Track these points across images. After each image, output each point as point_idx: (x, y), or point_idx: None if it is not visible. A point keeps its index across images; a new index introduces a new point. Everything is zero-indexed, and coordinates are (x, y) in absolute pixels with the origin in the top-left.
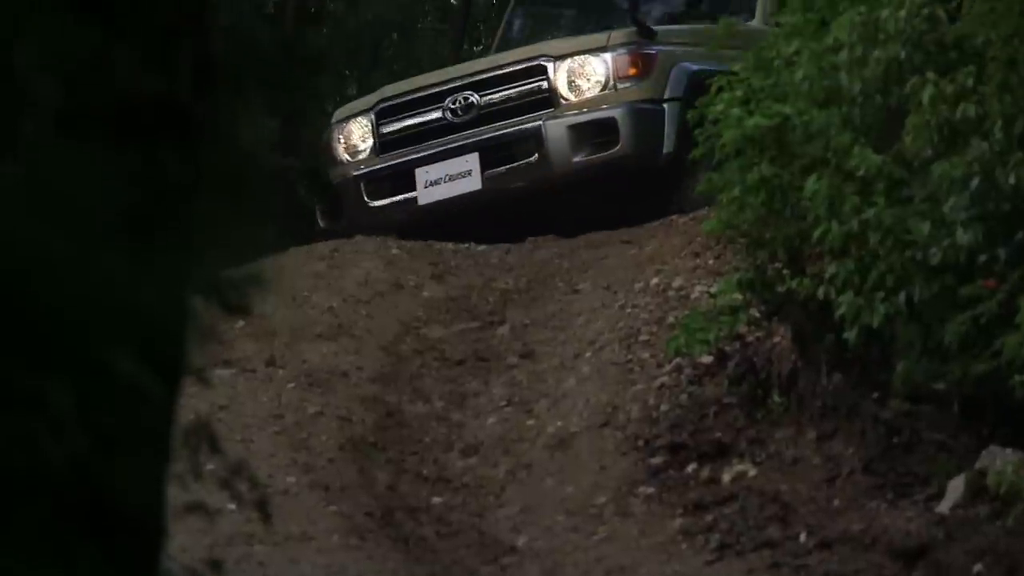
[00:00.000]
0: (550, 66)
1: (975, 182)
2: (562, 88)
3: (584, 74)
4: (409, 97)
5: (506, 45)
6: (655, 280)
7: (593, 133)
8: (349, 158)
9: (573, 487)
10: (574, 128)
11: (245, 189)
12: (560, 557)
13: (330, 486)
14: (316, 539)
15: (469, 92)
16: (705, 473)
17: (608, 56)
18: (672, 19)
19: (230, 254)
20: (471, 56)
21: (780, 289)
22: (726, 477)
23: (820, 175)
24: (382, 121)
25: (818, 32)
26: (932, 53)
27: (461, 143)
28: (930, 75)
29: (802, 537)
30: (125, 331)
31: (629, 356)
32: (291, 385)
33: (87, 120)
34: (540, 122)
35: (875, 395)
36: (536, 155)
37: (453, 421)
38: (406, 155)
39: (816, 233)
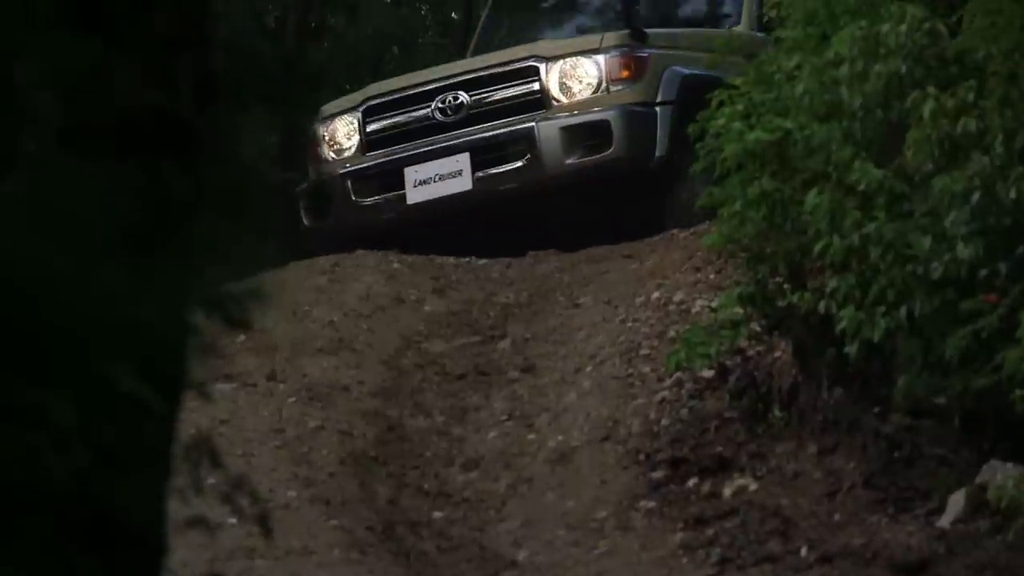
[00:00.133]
0: (542, 67)
1: (976, 196)
2: (554, 89)
3: (577, 76)
4: (396, 95)
5: (484, 48)
6: (656, 294)
7: (586, 135)
8: (334, 156)
9: (574, 501)
10: (567, 130)
11: (246, 204)
12: (561, 571)
13: (331, 500)
14: (317, 553)
15: (458, 92)
16: (706, 487)
17: (601, 58)
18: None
19: (231, 268)
20: None
21: (781, 303)
22: (727, 491)
23: (821, 189)
24: (369, 119)
25: (819, 46)
26: (933, 67)
27: (451, 143)
28: (931, 89)
29: (803, 551)
30: (126, 346)
31: (630, 370)
32: (292, 399)
33: (88, 135)
34: (533, 123)
35: (876, 409)
36: (528, 156)
37: (454, 435)
38: (394, 154)
39: (817, 247)
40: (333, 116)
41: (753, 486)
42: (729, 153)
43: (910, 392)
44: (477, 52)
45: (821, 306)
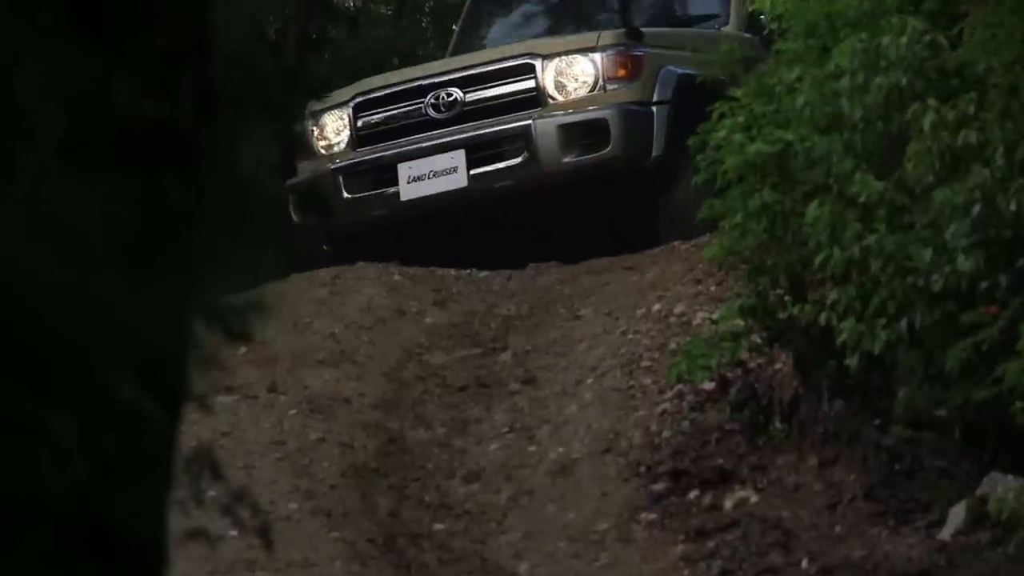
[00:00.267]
0: (538, 65)
1: (976, 209)
2: (550, 87)
3: (573, 74)
4: (388, 91)
5: (464, 48)
6: (657, 306)
7: (584, 134)
8: (324, 151)
9: (575, 513)
10: (564, 128)
11: (246, 215)
12: None
13: (332, 512)
14: (318, 565)
15: (452, 88)
16: (707, 499)
17: (598, 56)
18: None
19: (231, 280)
20: None
21: (782, 315)
22: (728, 503)
23: (822, 201)
24: (360, 114)
25: (819, 59)
26: (933, 80)
27: (447, 139)
28: (931, 102)
29: (804, 563)
30: (126, 357)
31: (631, 382)
32: (293, 411)
33: (88, 146)
34: (529, 121)
35: (877, 421)
36: (525, 154)
37: (455, 447)
38: (387, 149)
39: (818, 259)
40: (323, 111)
41: (754, 498)
42: (730, 165)
43: (911, 404)
44: (456, 53)
45: (822, 318)
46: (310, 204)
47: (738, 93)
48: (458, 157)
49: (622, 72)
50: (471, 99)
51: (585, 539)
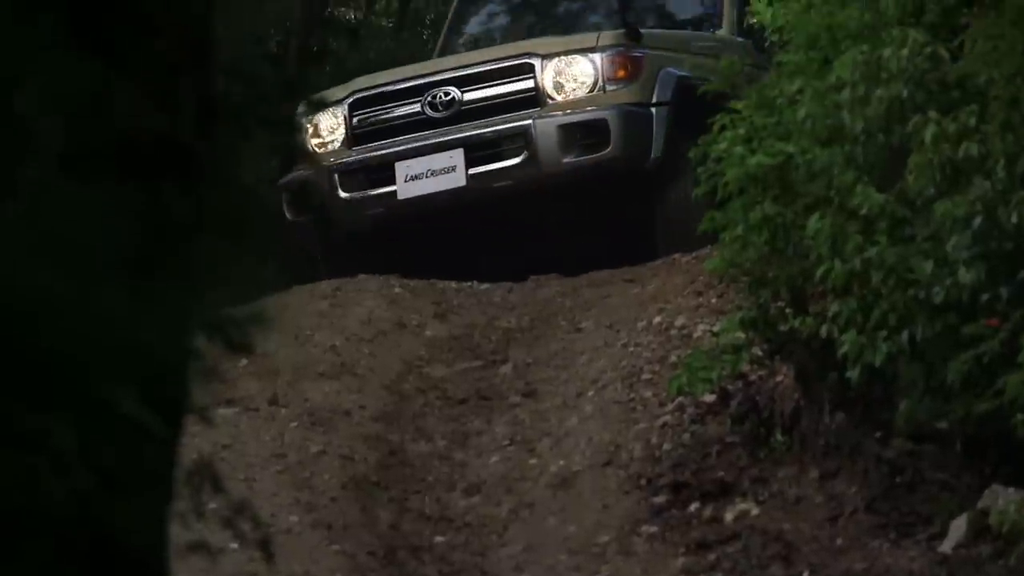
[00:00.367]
0: (537, 65)
1: (977, 221)
2: (549, 87)
3: (573, 74)
4: (384, 89)
5: (450, 49)
6: (658, 319)
7: (584, 134)
8: (319, 150)
9: (576, 526)
10: (565, 128)
11: (247, 228)
12: None
13: (333, 525)
14: None
15: (450, 87)
16: (708, 512)
17: (598, 57)
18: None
19: (232, 292)
20: None
21: (783, 328)
22: (729, 516)
23: (823, 214)
24: (355, 113)
25: (821, 71)
26: (934, 92)
27: (445, 138)
28: (932, 114)
29: None
30: (127, 370)
31: (631, 395)
32: (294, 424)
33: (89, 159)
34: (529, 120)
35: (878, 434)
36: (524, 153)
37: (456, 460)
38: (384, 148)
39: (819, 272)
40: (317, 109)
41: (755, 511)
42: (731, 177)
43: (912, 417)
44: (443, 54)
45: (823, 330)
46: (302, 202)
47: (739, 105)
48: (456, 156)
49: (622, 73)
50: (469, 98)
51: (586, 552)
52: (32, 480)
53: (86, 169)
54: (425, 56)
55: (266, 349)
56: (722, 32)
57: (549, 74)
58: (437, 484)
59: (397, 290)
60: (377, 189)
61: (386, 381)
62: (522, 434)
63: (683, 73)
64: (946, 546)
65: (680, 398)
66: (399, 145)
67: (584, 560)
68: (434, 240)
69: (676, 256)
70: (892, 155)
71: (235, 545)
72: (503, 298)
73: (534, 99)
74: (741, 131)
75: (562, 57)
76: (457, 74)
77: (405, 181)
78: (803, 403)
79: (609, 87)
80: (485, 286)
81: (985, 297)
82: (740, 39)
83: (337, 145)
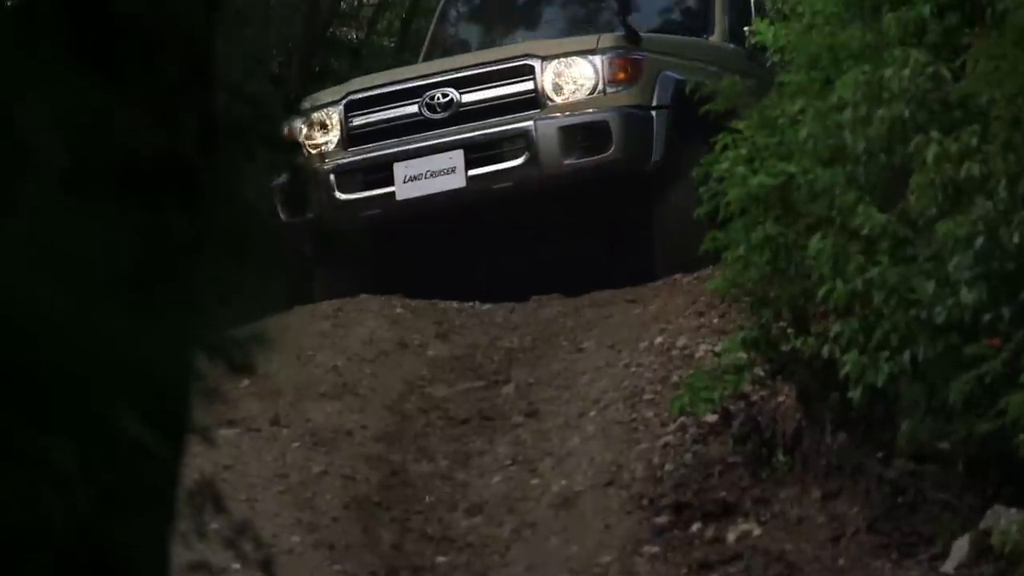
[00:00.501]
0: (537, 66)
1: (979, 241)
2: (549, 89)
3: (573, 76)
4: (381, 91)
5: (434, 54)
6: (659, 339)
7: (585, 136)
8: (313, 151)
9: (578, 546)
10: (566, 130)
11: (249, 247)
12: None
13: (335, 545)
14: None
15: (448, 88)
16: (710, 532)
17: (598, 59)
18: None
19: (234, 312)
20: None
21: (785, 348)
22: (731, 536)
23: (825, 234)
24: (352, 114)
25: (822, 91)
26: (936, 112)
27: (445, 139)
28: (934, 134)
29: None
30: (129, 390)
31: (633, 415)
32: (295, 444)
33: (90, 178)
34: (531, 122)
35: (880, 454)
36: (525, 155)
37: (458, 480)
38: (382, 149)
39: (821, 292)
40: (314, 110)
41: (757, 531)
42: (733, 197)
43: (914, 437)
44: (428, 58)
45: (825, 351)
46: (296, 203)
47: (741, 125)
48: (456, 157)
49: (622, 75)
50: (467, 100)
51: (588, 572)
52: (33, 499)
53: (87, 186)
54: None
55: (268, 369)
56: (714, 39)
57: (549, 76)
58: (439, 504)
59: (399, 310)
60: (375, 190)
61: (388, 401)
62: (524, 454)
63: (682, 77)
64: (948, 566)
65: (682, 418)
66: (397, 146)
67: None
68: (432, 241)
69: (677, 276)
70: (894, 175)
71: (237, 566)
72: (505, 318)
73: (534, 101)
74: (743, 151)
75: (562, 59)
76: (455, 75)
77: (404, 182)
78: (805, 423)
79: (609, 89)
80: (487, 306)
81: (987, 317)
82: (732, 46)
83: (334, 146)
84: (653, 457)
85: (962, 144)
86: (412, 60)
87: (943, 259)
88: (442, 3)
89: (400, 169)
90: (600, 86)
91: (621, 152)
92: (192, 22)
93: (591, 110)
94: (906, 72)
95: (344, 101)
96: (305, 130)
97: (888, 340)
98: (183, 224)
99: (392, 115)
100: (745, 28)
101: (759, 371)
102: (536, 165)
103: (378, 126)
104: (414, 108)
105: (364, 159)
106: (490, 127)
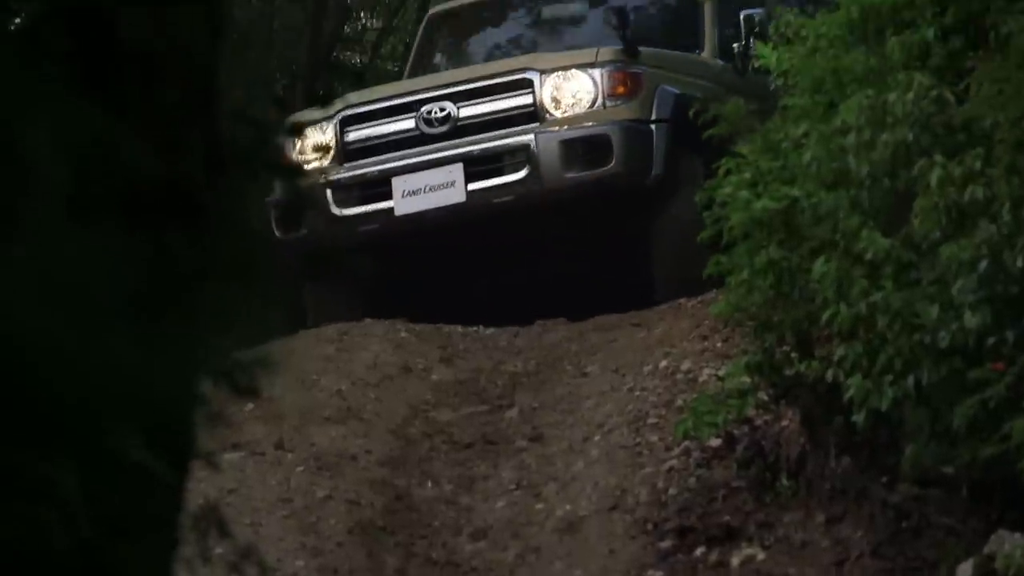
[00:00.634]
0: (536, 80)
1: (983, 265)
2: (549, 102)
3: (572, 90)
4: (377, 105)
5: (420, 70)
6: (664, 363)
7: (587, 149)
8: (307, 166)
9: (582, 571)
10: (567, 143)
11: (253, 273)
12: None
13: (339, 570)
14: None
15: (445, 103)
16: (714, 556)
17: (597, 73)
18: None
19: (239, 337)
20: None
21: (788, 372)
22: (735, 560)
23: (828, 258)
24: (347, 128)
25: (826, 114)
26: (940, 135)
27: (444, 154)
28: (938, 157)
29: None
30: (133, 415)
31: (638, 439)
32: (300, 468)
33: (95, 204)
34: (531, 135)
35: (884, 479)
36: (526, 169)
37: (462, 505)
38: (380, 164)
39: (824, 316)
40: (308, 125)
41: (761, 555)
42: (736, 221)
43: (918, 461)
44: (413, 75)
45: (828, 375)
46: (292, 220)
47: (744, 149)
48: (455, 171)
49: (621, 89)
50: (465, 114)
51: None
52: (37, 527)
53: (92, 212)
54: None
55: (272, 393)
56: (704, 55)
57: (548, 89)
58: (443, 529)
59: (403, 334)
60: (373, 205)
61: (392, 425)
62: (528, 478)
63: (680, 91)
64: None
65: (686, 442)
66: (395, 160)
67: None
68: (431, 256)
69: (681, 301)
70: (898, 199)
71: None
72: (509, 342)
73: (533, 114)
74: (746, 175)
75: (561, 72)
76: (452, 89)
77: (403, 197)
78: (809, 447)
79: (609, 103)
80: (491, 330)
81: (991, 341)
82: (721, 62)
83: (329, 161)
84: (657, 481)
85: (966, 168)
86: None
87: (947, 283)
88: (425, 21)
89: (399, 183)
90: (600, 100)
91: (622, 165)
92: (196, 47)
93: (591, 124)
94: (910, 96)
95: (338, 116)
96: (299, 145)
97: (892, 364)
98: (187, 249)
99: (388, 130)
100: (734, 45)
101: (763, 395)
102: (537, 178)
103: (374, 141)
104: (410, 123)
105: (362, 174)
106: (490, 141)
